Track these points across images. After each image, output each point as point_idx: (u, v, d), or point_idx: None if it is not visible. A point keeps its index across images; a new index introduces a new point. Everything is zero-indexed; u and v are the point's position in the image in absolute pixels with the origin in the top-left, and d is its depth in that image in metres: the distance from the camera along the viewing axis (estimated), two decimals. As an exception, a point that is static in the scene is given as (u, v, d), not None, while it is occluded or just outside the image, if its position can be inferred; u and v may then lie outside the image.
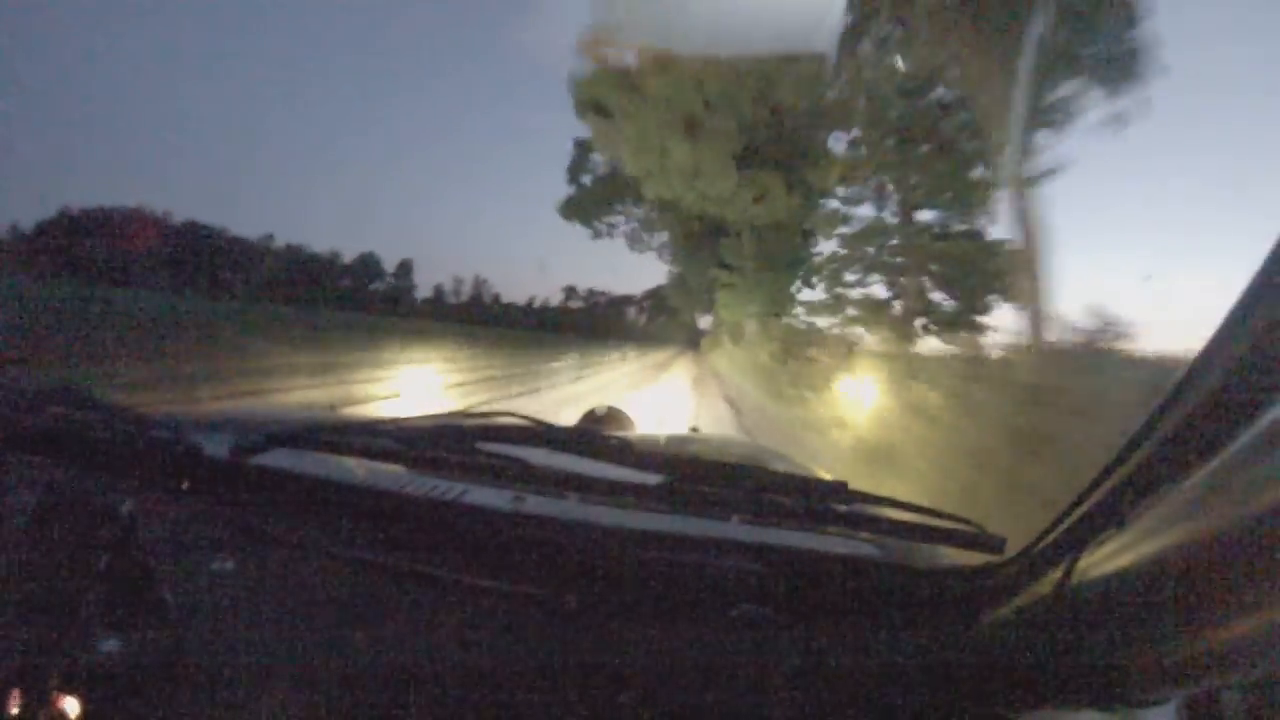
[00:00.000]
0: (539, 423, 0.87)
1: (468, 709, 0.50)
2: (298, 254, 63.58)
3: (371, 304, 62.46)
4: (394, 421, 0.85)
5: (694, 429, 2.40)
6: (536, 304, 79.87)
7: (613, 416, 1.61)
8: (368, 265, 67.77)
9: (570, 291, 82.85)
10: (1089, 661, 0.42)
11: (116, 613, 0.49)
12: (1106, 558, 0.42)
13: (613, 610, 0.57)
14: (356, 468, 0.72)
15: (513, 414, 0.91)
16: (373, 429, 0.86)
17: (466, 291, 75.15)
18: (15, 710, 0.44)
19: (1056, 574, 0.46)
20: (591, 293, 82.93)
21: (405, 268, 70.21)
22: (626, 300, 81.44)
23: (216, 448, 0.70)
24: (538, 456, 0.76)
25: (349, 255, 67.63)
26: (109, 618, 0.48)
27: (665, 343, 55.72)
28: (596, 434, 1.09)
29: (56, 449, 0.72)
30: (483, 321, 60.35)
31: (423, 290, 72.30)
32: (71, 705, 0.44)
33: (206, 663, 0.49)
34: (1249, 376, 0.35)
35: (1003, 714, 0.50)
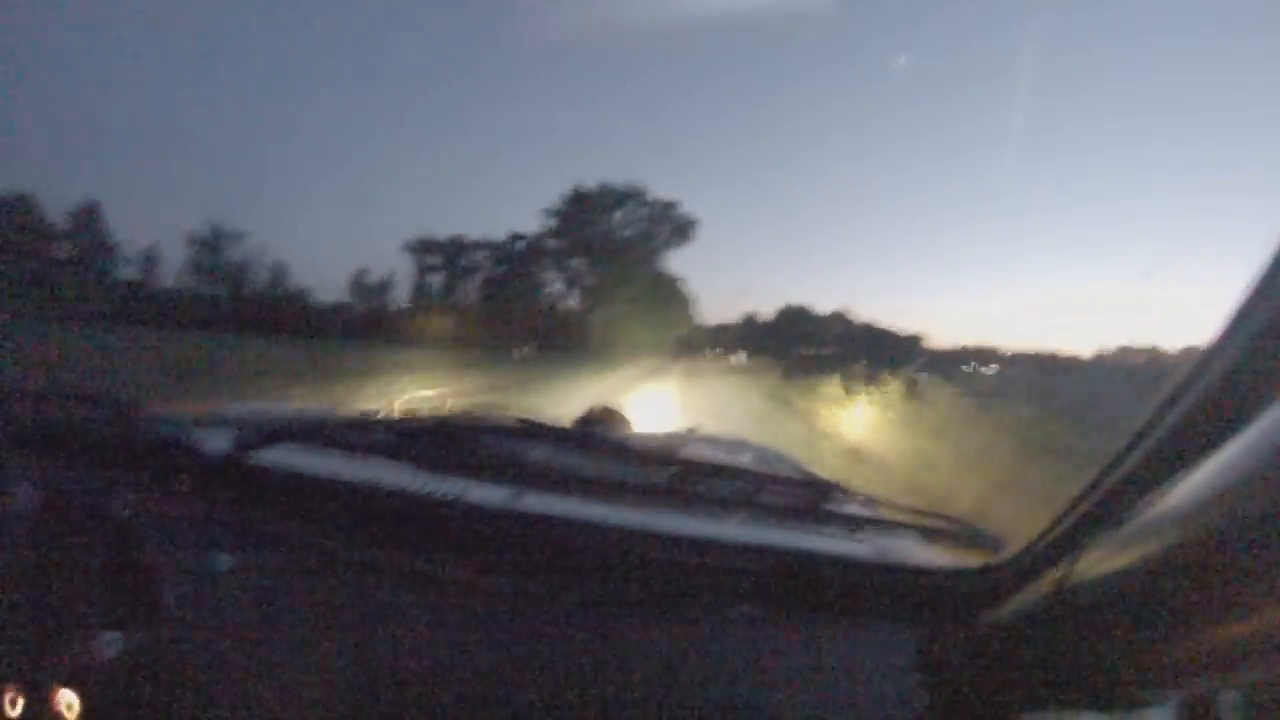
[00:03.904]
0: (539, 421, 0.87)
1: (467, 707, 0.50)
2: None
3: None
4: (395, 419, 0.85)
5: (692, 428, 2.39)
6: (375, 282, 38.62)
7: (610, 415, 1.62)
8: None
9: (425, 249, 39.92)
10: (1089, 661, 0.42)
11: (116, 612, 0.49)
12: (1106, 557, 0.42)
13: (611, 609, 0.58)
14: (356, 465, 0.72)
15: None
16: (373, 426, 0.86)
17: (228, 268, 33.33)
18: (15, 709, 0.44)
19: (1056, 574, 0.46)
20: (458, 243, 40.19)
21: (88, 219, 30.92)
22: (539, 253, 40.79)
23: (216, 445, 0.70)
24: (537, 454, 0.76)
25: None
26: (109, 617, 0.49)
27: (601, 355, 27.99)
28: (595, 432, 1.10)
29: (56, 449, 0.72)
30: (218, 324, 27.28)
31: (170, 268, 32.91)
32: (71, 704, 0.44)
33: (206, 661, 0.50)
34: (1249, 376, 0.35)
35: (1003, 714, 0.50)
